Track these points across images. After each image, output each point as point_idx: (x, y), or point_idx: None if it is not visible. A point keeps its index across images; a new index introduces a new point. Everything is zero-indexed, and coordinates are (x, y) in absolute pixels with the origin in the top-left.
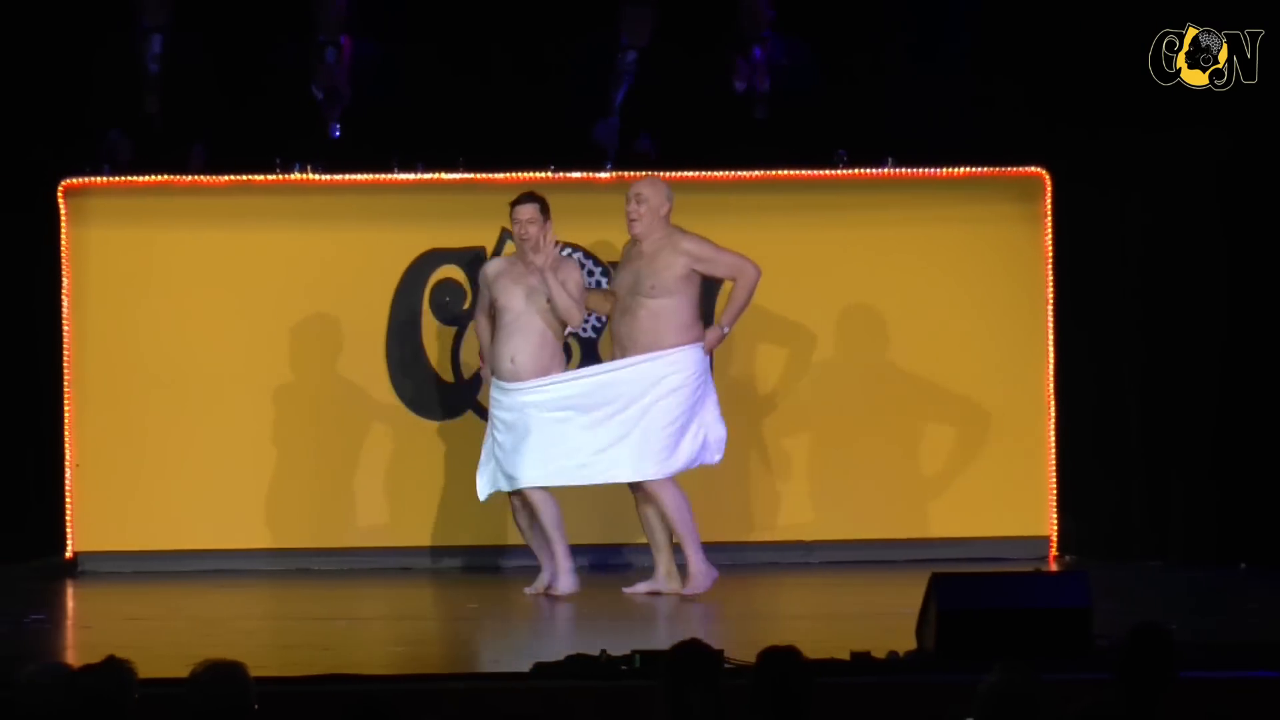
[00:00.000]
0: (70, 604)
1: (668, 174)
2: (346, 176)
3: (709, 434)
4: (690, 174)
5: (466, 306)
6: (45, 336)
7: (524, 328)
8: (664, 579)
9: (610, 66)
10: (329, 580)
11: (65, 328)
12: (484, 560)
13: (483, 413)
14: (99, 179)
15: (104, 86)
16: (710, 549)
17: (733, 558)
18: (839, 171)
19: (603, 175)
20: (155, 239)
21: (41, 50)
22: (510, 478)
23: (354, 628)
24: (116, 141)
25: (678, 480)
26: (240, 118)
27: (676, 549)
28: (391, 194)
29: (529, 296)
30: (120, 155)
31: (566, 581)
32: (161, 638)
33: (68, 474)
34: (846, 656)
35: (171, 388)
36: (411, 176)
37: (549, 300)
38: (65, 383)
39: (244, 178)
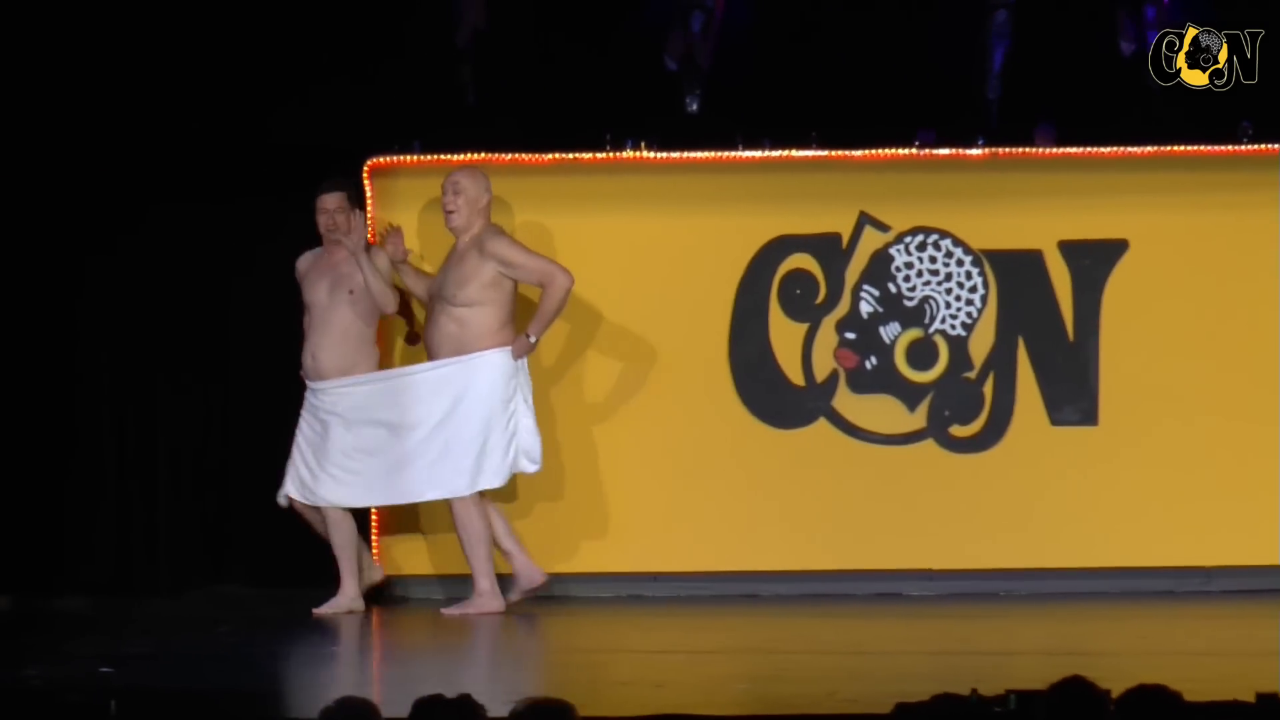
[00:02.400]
0: (375, 633)
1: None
2: (684, 155)
3: (520, 444)
4: (1074, 150)
5: (820, 300)
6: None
7: (327, 321)
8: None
9: (980, 27)
10: (664, 608)
11: None
12: (836, 586)
13: (839, 422)
14: (408, 158)
15: (414, 55)
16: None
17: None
18: (1242, 147)
19: (974, 152)
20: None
21: (344, 19)
22: (309, 490)
23: (693, 661)
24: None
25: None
26: (563, 89)
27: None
28: (735, 174)
29: (332, 289)
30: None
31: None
32: (476, 671)
33: None
34: (1250, 698)
35: None
36: (758, 154)
37: (364, 284)
38: None
39: (570, 156)
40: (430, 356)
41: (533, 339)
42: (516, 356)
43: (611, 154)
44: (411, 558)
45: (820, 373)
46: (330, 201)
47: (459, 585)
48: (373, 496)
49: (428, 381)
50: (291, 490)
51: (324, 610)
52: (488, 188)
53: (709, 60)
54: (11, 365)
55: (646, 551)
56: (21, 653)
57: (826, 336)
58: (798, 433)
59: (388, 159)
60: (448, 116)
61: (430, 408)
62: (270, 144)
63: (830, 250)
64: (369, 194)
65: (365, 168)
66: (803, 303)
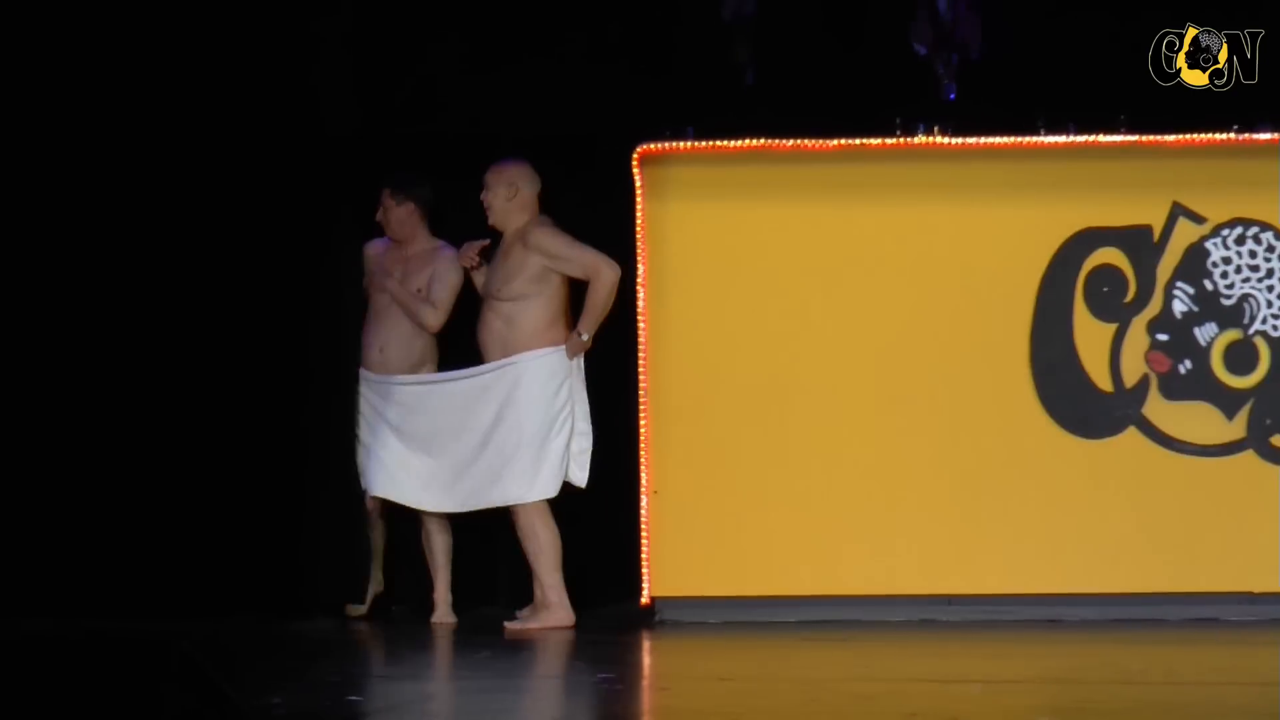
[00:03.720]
0: (646, 660)
1: None
2: (982, 140)
3: (572, 449)
4: None
5: (1130, 299)
6: (615, 333)
7: (399, 316)
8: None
9: None
10: (959, 633)
11: (640, 324)
12: (1146, 611)
13: (1151, 431)
14: (682, 144)
15: (687, 32)
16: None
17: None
18: None
19: None
20: (748, 216)
21: None
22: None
23: (990, 692)
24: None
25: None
26: (851, 68)
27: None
28: (1037, 161)
29: (403, 284)
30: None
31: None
32: (756, 702)
33: (644, 503)
34: None
35: (767, 397)
36: (1062, 139)
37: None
38: (641, 391)
39: (857, 142)
40: (481, 357)
41: (585, 336)
42: (571, 355)
43: (903, 139)
44: (683, 578)
45: (1130, 378)
46: (389, 197)
47: (732, 608)
48: (430, 499)
49: (474, 387)
50: (382, 488)
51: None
52: (530, 181)
53: (969, 45)
54: (245, 371)
55: (940, 572)
56: (268, 678)
57: (1136, 338)
58: (1105, 443)
59: (658, 146)
60: (721, 100)
61: (479, 414)
62: (535, 134)
63: (1141, 244)
64: (639, 184)
65: (635, 155)
66: (1111, 301)
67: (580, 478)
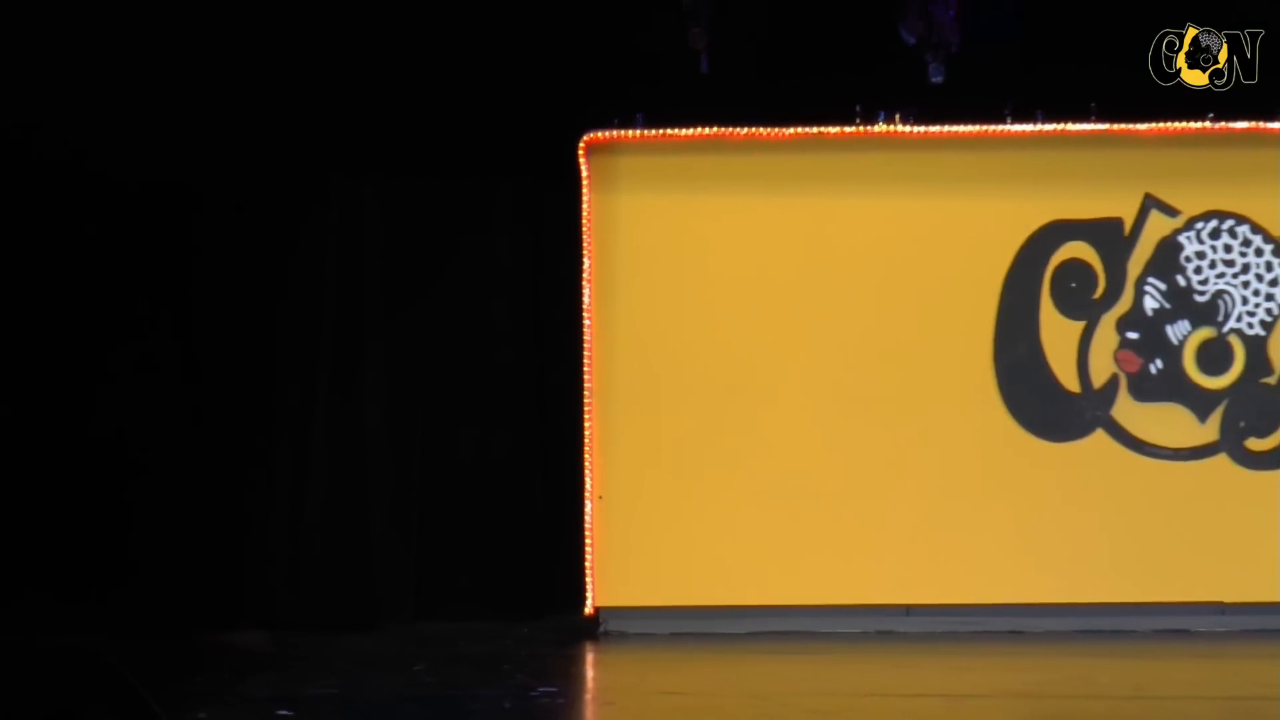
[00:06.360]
0: (590, 673)
1: None
2: (947, 129)
3: None
4: None
5: (1099, 295)
6: (559, 332)
7: None
8: None
9: None
10: (918, 645)
11: (586, 320)
12: (1113, 621)
13: (1120, 434)
14: (630, 132)
15: (637, 18)
16: None
17: None
18: None
19: (1276, 126)
20: (700, 207)
21: None
22: None
23: (951, 708)
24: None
25: None
26: (806, 55)
27: None
28: (1004, 150)
29: None
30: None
31: None
32: (707, 718)
33: (588, 508)
34: None
35: (719, 398)
36: (1029, 128)
37: None
38: (586, 391)
39: (815, 130)
40: None
41: None
42: None
43: (862, 128)
44: (629, 588)
45: (1098, 378)
46: None
47: (682, 618)
48: None
49: None
50: None
51: None
52: None
53: (952, 36)
54: (180, 384)
55: (898, 582)
56: (194, 693)
57: (1105, 336)
58: (1072, 446)
59: (606, 134)
60: (675, 87)
61: None
62: (473, 118)
63: (1110, 238)
64: (585, 174)
65: (581, 144)
66: (1079, 297)
67: None
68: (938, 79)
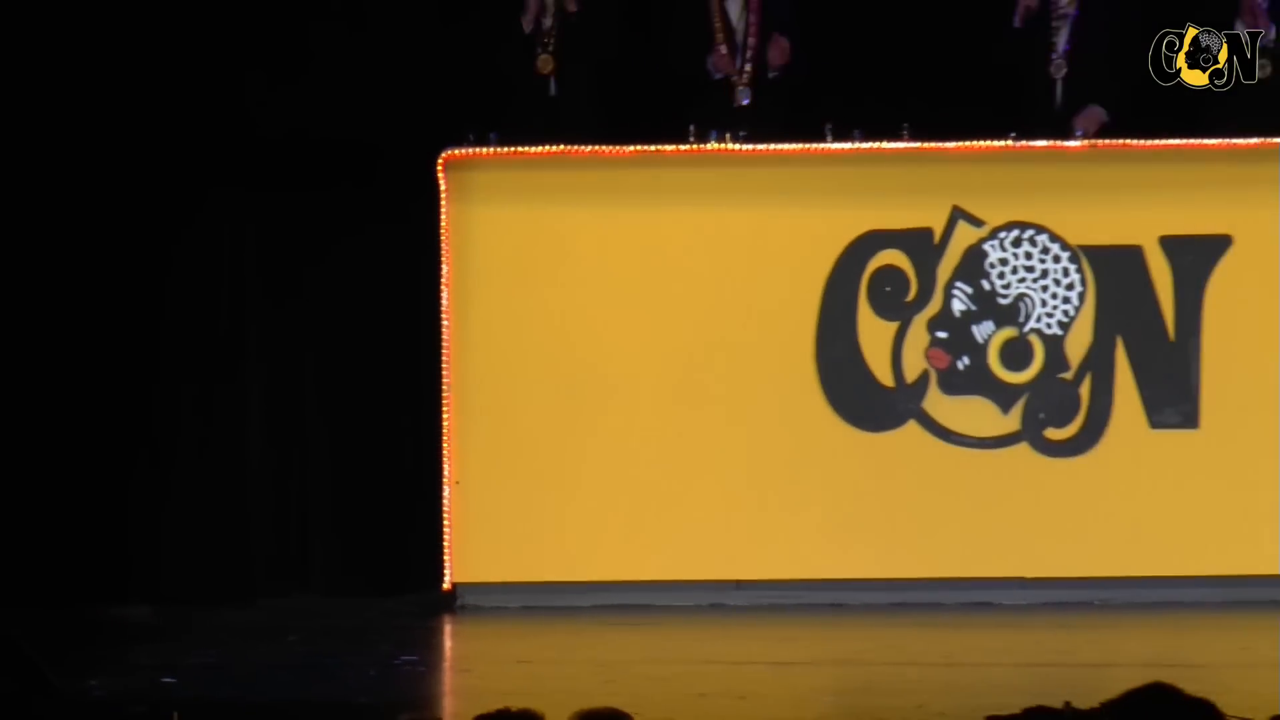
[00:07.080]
0: (448, 643)
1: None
2: (772, 147)
3: None
4: (1176, 142)
5: (911, 298)
6: (421, 333)
7: None
8: None
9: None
10: (747, 617)
11: (445, 323)
12: (925, 595)
13: (930, 424)
14: (485, 150)
15: (491, 41)
16: None
17: None
18: None
19: (1072, 144)
20: (549, 218)
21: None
22: None
23: (777, 673)
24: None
25: None
26: (646, 78)
27: None
28: (824, 167)
29: None
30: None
31: None
32: (554, 684)
33: (446, 493)
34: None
35: (567, 392)
36: (847, 146)
37: None
38: (444, 386)
39: (652, 148)
40: None
41: None
42: None
43: (696, 146)
44: (484, 565)
45: (911, 373)
46: None
47: (532, 593)
48: None
49: None
50: None
51: None
52: None
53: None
54: (70, 361)
55: (729, 559)
56: (84, 663)
57: (917, 336)
58: (887, 436)
59: (462, 151)
60: (526, 107)
61: None
62: (335, 138)
63: (922, 246)
64: (443, 188)
65: (439, 160)
66: (893, 300)
67: None
68: (745, 101)
